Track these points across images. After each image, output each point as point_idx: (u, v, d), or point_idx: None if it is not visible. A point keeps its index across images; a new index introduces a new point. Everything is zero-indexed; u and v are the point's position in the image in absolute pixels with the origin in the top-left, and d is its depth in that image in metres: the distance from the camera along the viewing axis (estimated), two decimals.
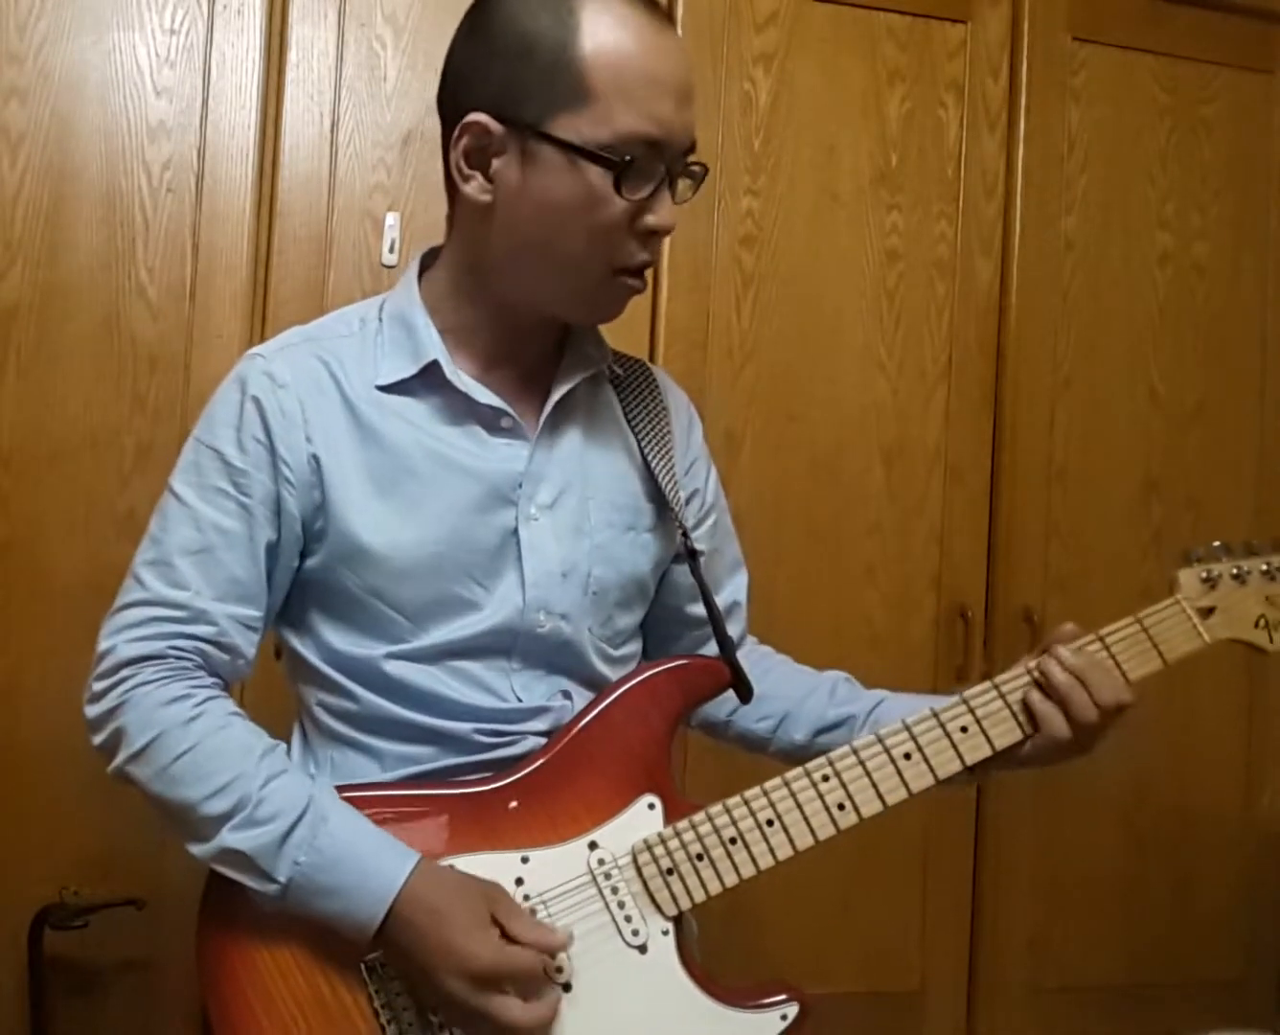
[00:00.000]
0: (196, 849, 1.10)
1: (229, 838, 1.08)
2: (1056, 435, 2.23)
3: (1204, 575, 1.23)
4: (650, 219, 1.14)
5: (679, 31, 2.05)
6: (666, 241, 1.21)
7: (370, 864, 1.08)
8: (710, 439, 1.44)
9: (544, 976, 1.08)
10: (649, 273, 1.20)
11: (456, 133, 1.15)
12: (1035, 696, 1.19)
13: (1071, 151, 2.25)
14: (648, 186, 1.12)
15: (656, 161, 1.12)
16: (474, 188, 1.15)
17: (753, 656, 1.40)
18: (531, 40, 1.11)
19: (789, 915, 2.03)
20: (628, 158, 1.10)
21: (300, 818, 1.08)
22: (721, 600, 1.36)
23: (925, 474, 2.17)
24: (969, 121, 2.20)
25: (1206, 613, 1.23)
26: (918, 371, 2.17)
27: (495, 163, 1.14)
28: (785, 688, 1.36)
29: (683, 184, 1.18)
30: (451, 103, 1.17)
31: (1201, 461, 2.30)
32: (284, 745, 1.16)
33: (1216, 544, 1.25)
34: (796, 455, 2.12)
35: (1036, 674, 1.19)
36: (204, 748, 1.11)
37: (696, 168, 1.18)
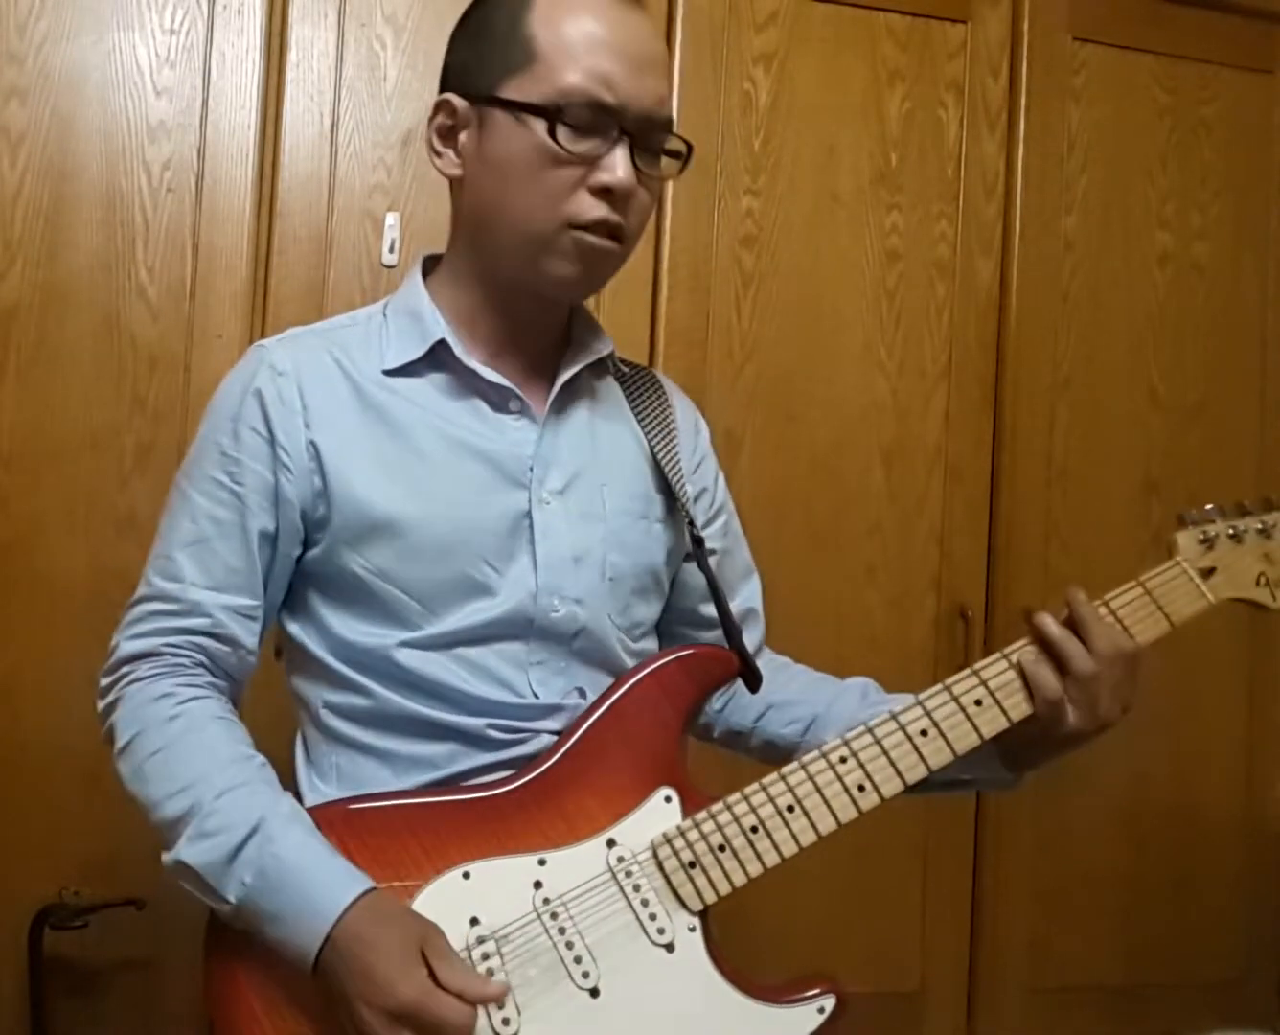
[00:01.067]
0: (164, 857, 1.09)
1: (184, 850, 1.07)
2: (1056, 435, 2.23)
3: (1200, 536, 1.23)
4: (602, 176, 1.14)
5: (678, 31, 2.06)
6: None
7: (311, 892, 1.04)
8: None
9: (469, 1032, 1.01)
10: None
11: (430, 113, 1.21)
12: (1030, 656, 1.18)
13: (1071, 151, 2.25)
14: (593, 141, 1.14)
15: (606, 119, 1.13)
16: (445, 163, 1.21)
17: (773, 664, 1.40)
18: (492, 18, 1.18)
19: (789, 915, 2.02)
20: (561, 105, 1.12)
21: (248, 837, 1.06)
22: (736, 606, 1.35)
23: (925, 474, 2.17)
24: (969, 121, 2.20)
25: (1207, 573, 1.22)
26: (918, 371, 2.17)
27: (461, 136, 1.19)
28: (811, 693, 1.35)
29: (665, 162, 1.19)
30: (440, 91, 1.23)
31: (1201, 461, 2.30)
32: (262, 758, 1.14)
33: (1209, 506, 1.24)
34: (796, 455, 2.12)
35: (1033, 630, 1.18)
36: (173, 749, 1.10)
37: (677, 144, 1.19)
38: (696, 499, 1.34)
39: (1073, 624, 1.18)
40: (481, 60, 1.17)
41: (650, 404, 1.31)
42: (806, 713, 1.33)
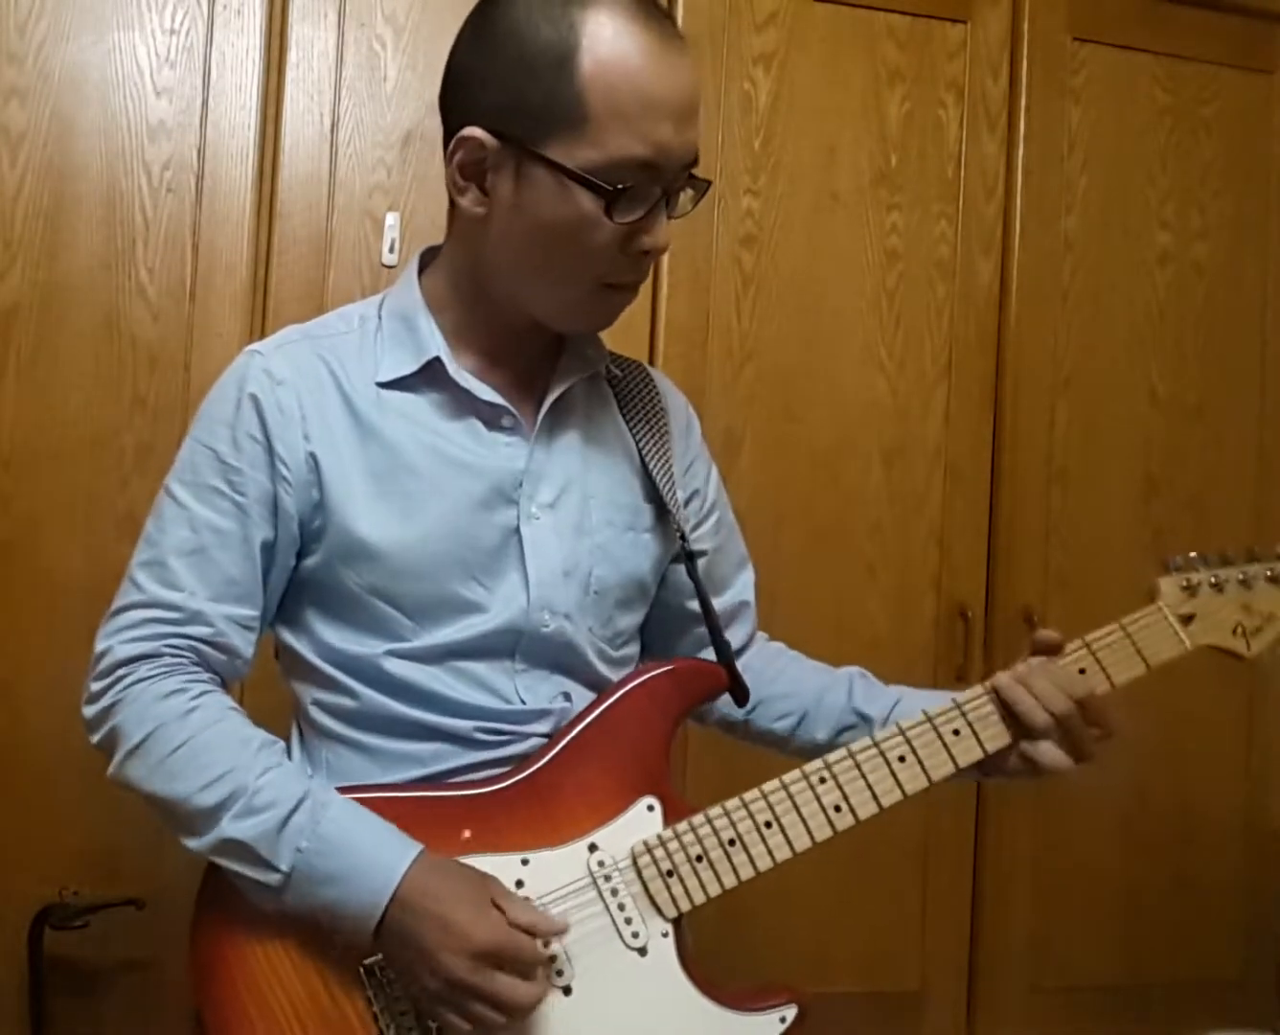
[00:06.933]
0: (194, 842, 1.10)
1: (228, 827, 1.08)
2: (1056, 435, 2.23)
3: (1183, 583, 1.26)
4: (644, 240, 1.14)
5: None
6: None
7: (373, 850, 1.08)
8: (710, 439, 1.44)
9: (542, 964, 1.08)
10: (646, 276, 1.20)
11: (452, 146, 1.15)
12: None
13: (1071, 151, 2.25)
14: (641, 209, 1.12)
15: (652, 184, 1.12)
16: (469, 200, 1.16)
17: (764, 654, 1.40)
18: (531, 56, 1.10)
19: (789, 915, 2.02)
20: (620, 185, 1.09)
21: (299, 804, 1.08)
22: (729, 598, 1.36)
23: (925, 474, 2.17)
24: (969, 121, 2.20)
25: (1187, 619, 1.25)
26: (918, 371, 2.17)
27: (490, 177, 1.14)
28: (802, 686, 1.36)
29: (683, 196, 1.17)
30: (451, 109, 1.17)
31: (1201, 461, 2.30)
32: (283, 743, 1.16)
33: (1193, 554, 1.28)
34: (796, 455, 2.12)
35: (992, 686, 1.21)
36: (200, 740, 1.11)
37: (699, 182, 1.17)
38: (688, 502, 1.34)
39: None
40: (521, 102, 1.10)
41: (643, 408, 1.31)
42: (796, 707, 1.35)
